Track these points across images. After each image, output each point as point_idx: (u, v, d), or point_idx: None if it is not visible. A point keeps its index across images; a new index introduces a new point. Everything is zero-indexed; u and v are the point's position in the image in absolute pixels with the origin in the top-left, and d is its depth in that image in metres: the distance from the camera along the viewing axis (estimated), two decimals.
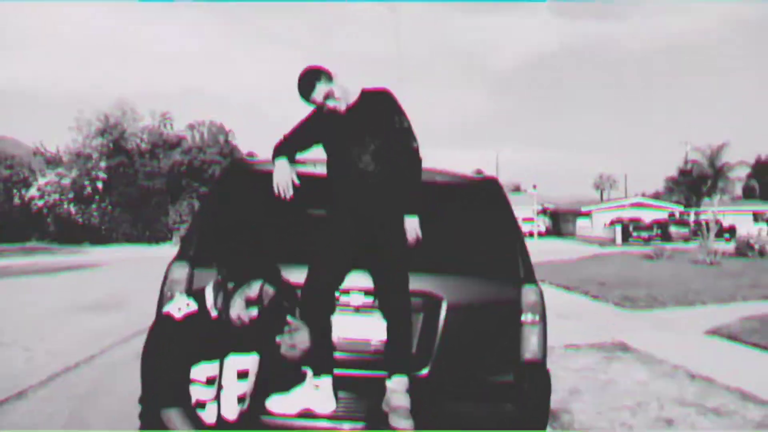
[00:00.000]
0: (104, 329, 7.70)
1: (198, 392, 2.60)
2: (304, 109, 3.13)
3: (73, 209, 35.32)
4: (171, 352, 2.55)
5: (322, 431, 2.82)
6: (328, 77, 3.01)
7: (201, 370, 2.60)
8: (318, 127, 3.11)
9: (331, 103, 2.99)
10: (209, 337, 2.61)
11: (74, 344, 6.78)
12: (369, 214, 2.94)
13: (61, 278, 14.98)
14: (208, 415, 2.63)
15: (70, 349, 6.53)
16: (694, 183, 50.29)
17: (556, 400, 4.47)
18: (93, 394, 4.91)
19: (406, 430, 2.71)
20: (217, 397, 2.65)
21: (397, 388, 2.80)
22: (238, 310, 2.62)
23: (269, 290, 2.64)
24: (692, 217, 46.89)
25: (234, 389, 2.66)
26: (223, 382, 2.65)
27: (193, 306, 2.62)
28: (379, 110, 3.02)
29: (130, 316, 8.50)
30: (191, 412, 2.58)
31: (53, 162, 36.59)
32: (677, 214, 48.71)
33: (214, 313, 2.65)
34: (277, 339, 2.74)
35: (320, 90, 2.97)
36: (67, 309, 9.40)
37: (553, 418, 4.31)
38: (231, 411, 2.66)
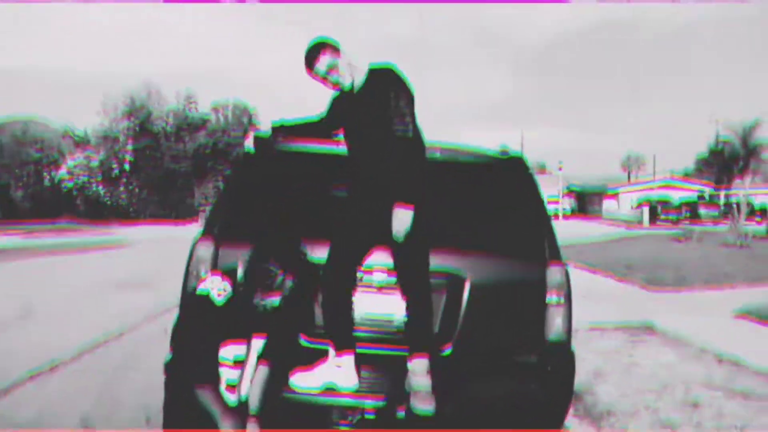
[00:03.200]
0: (133, 307, 7.86)
1: (227, 373, 2.65)
2: (322, 89, 3.12)
3: (101, 190, 36.02)
4: (206, 332, 2.60)
5: (345, 407, 2.85)
6: (334, 50, 2.97)
7: (229, 351, 2.64)
8: (336, 112, 3.11)
9: (333, 79, 2.96)
10: (238, 318, 2.65)
11: (105, 321, 6.94)
12: (381, 198, 2.90)
13: (90, 257, 15.32)
14: (235, 397, 2.68)
15: (101, 325, 6.69)
16: (726, 163, 49.03)
17: (579, 382, 4.44)
18: (122, 369, 5.03)
19: (427, 410, 2.72)
20: (242, 379, 2.69)
21: (418, 369, 2.80)
22: (258, 298, 2.66)
23: (288, 284, 2.68)
24: (722, 199, 45.82)
25: (252, 371, 2.70)
26: (248, 365, 2.69)
27: (229, 290, 2.67)
28: (380, 91, 2.90)
29: (157, 294, 8.65)
30: (218, 392, 2.63)
31: (81, 144, 37.28)
32: (707, 195, 47.67)
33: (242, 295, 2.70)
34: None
35: (323, 62, 2.95)
36: (97, 287, 9.62)
37: (577, 399, 4.28)
38: (252, 393, 2.70)
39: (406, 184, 2.80)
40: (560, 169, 49.50)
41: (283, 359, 2.76)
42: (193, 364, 2.61)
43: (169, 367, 2.79)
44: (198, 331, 2.63)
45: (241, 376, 2.68)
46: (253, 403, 2.66)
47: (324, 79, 3.00)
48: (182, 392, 2.65)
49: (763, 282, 10.50)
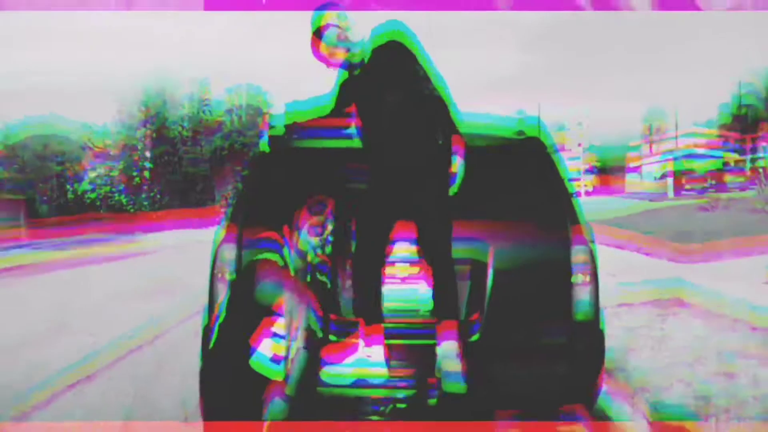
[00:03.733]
0: (162, 312, 7.99)
1: (274, 346, 2.69)
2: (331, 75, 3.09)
3: (124, 199, 36.59)
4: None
5: (377, 398, 2.86)
6: (336, 28, 2.99)
7: (277, 324, 2.67)
8: (346, 99, 3.09)
9: (341, 51, 2.98)
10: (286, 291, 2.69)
11: (135, 328, 7.07)
12: (404, 172, 2.90)
13: (117, 266, 15.58)
14: (279, 372, 2.70)
15: (132, 332, 6.81)
16: (749, 127, 47.89)
17: (610, 359, 4.40)
18: (156, 373, 5.12)
19: (460, 387, 2.73)
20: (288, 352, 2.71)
21: (448, 353, 2.80)
22: (303, 239, 2.74)
23: (330, 226, 2.80)
24: (748, 164, 44.75)
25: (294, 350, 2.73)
26: (291, 341, 2.72)
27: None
28: (396, 64, 2.92)
29: (184, 299, 8.77)
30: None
31: (101, 154, 37.83)
32: (732, 162, 46.62)
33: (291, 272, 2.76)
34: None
35: (331, 32, 2.96)
36: (125, 295, 9.79)
37: (608, 376, 4.25)
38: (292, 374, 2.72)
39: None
40: (579, 145, 48.89)
41: (318, 342, 2.78)
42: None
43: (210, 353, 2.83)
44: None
45: (288, 349, 2.71)
46: (291, 384, 2.68)
47: (331, 55, 3.00)
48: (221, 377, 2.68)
49: None
